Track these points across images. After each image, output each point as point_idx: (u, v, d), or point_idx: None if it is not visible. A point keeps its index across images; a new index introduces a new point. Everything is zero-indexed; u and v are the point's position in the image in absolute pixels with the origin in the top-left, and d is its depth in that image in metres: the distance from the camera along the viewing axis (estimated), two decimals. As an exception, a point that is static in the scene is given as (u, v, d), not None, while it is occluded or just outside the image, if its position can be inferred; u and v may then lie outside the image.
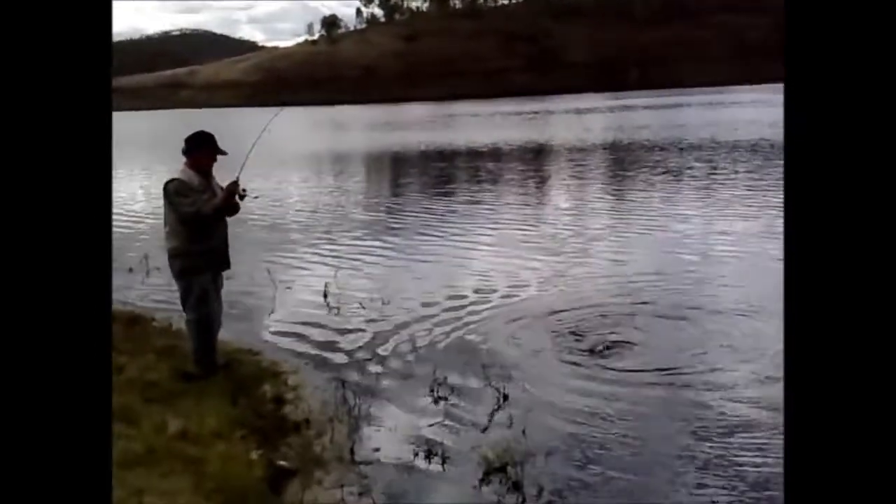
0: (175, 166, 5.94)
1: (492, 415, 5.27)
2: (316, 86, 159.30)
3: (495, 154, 27.70)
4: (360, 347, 6.81)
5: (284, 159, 26.34)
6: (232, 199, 5.69)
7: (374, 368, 6.28)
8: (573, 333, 6.88)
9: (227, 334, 6.50)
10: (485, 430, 5.06)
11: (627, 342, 6.62)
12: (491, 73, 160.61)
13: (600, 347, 6.47)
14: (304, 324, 7.58)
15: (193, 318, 5.84)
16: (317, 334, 7.24)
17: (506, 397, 5.49)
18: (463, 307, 7.89)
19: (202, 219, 5.65)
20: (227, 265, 6.02)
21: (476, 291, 8.51)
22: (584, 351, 6.43)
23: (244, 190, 5.72)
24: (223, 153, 5.84)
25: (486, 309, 7.80)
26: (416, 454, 4.69)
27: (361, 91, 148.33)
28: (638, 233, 11.73)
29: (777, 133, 25.83)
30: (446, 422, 5.19)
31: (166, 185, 5.75)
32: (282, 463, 4.44)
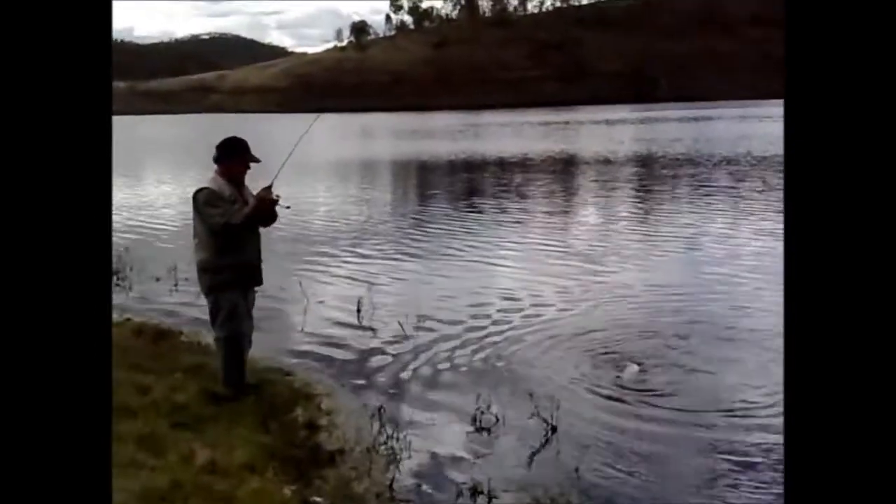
0: (205, 173, 5.63)
1: (538, 450, 4.92)
2: (344, 92, 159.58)
3: (524, 165, 27.32)
4: (388, 368, 6.49)
5: (311, 167, 26.09)
6: (263, 207, 5.32)
7: (409, 392, 5.96)
8: (609, 354, 6.58)
9: (256, 351, 6.18)
10: (529, 464, 4.73)
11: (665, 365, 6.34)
12: (520, 81, 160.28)
13: (638, 374, 6.14)
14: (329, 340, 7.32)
15: (222, 336, 5.53)
16: (341, 353, 6.94)
17: (554, 429, 5.11)
18: (498, 324, 7.59)
19: (232, 230, 5.31)
20: (258, 281, 5.69)
21: (505, 308, 8.24)
22: (621, 381, 6.06)
23: (278, 196, 5.36)
24: (256, 160, 5.49)
25: (528, 329, 7.46)
26: (461, 493, 4.34)
27: (390, 98, 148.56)
28: (674, 251, 11.32)
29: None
30: (488, 454, 4.84)
31: (195, 194, 5.43)
32: (316, 499, 4.11)
